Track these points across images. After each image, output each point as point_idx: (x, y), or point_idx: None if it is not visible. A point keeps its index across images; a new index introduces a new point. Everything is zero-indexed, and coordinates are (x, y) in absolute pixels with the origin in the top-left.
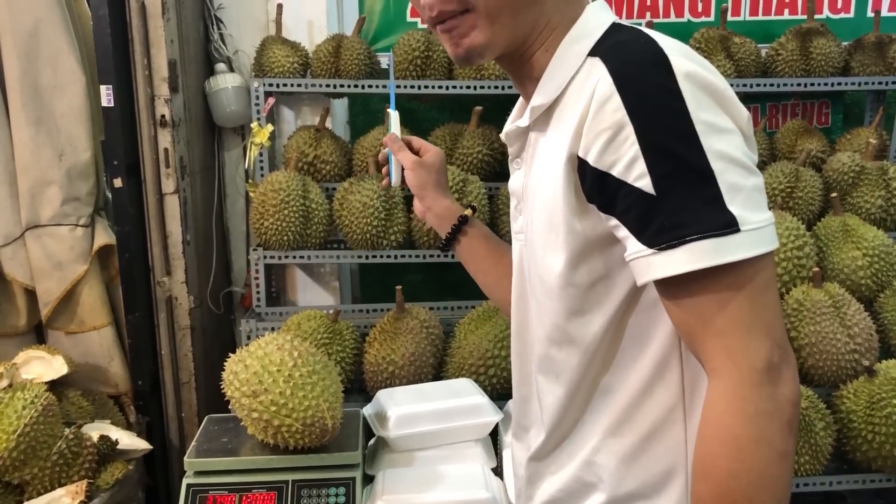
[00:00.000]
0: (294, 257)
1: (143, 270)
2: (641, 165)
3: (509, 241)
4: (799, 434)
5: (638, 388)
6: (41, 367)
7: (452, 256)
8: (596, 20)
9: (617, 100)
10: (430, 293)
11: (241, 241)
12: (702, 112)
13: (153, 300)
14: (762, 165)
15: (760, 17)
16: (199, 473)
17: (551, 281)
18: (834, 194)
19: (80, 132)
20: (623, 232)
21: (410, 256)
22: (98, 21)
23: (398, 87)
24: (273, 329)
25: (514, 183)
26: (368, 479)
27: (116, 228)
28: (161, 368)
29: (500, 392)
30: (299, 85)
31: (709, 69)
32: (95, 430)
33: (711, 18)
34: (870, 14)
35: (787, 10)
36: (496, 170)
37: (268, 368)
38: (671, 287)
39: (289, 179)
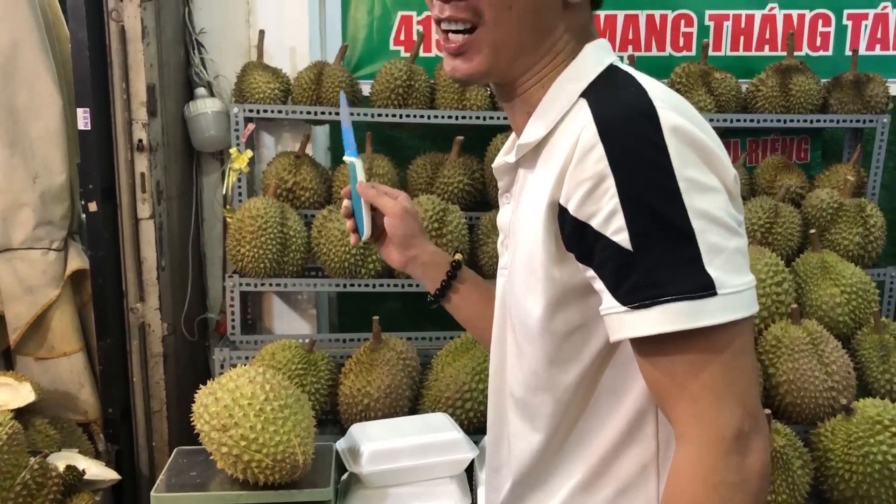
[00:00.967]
0: (271, 285)
1: (117, 296)
2: (620, 219)
3: (490, 276)
4: (776, 472)
5: (612, 442)
6: (7, 393)
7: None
8: (593, 60)
9: (600, 150)
10: (409, 322)
11: (218, 267)
12: (686, 169)
13: (126, 326)
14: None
15: (741, 53)
16: None
17: (531, 325)
18: (813, 231)
19: (56, 155)
20: (599, 285)
21: (389, 285)
22: (77, 44)
23: (381, 115)
24: (247, 358)
25: (502, 218)
26: None
27: (90, 253)
28: (132, 396)
29: (476, 426)
30: (280, 111)
31: (699, 123)
32: (62, 460)
33: (693, 53)
34: (848, 52)
35: (767, 47)
36: (476, 199)
37: (238, 402)
38: (644, 346)
39: (267, 206)
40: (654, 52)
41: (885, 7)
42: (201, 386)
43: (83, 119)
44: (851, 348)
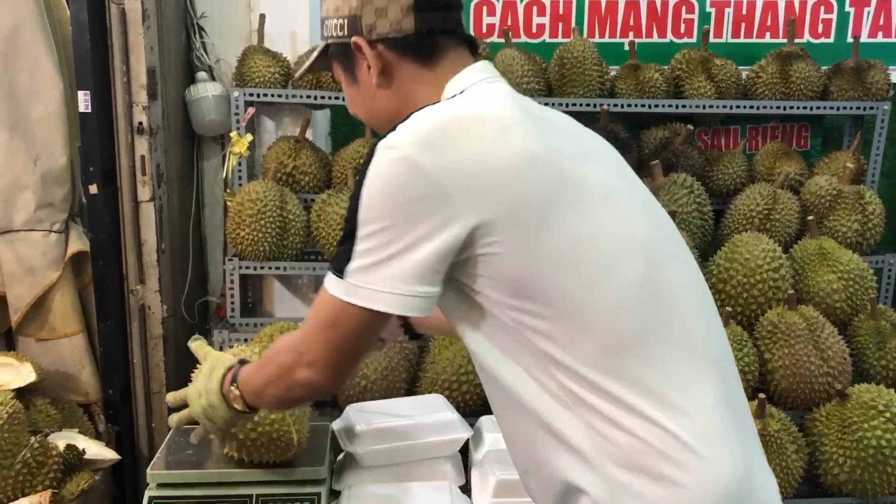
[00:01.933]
0: (270, 268)
1: (117, 278)
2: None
3: None
4: (770, 456)
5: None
6: (9, 374)
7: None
8: (448, 94)
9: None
10: None
11: (219, 250)
12: (369, 191)
13: (126, 308)
14: (740, 187)
15: (742, 40)
16: (162, 486)
17: None
18: (811, 217)
19: (56, 137)
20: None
21: None
22: (77, 26)
23: None
24: (247, 340)
25: None
26: (335, 495)
27: (91, 235)
28: (132, 377)
29: (472, 408)
30: (280, 95)
31: (432, 144)
32: (62, 439)
33: (693, 40)
34: (849, 39)
35: (768, 34)
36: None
37: None
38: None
39: (266, 189)
40: (655, 39)
41: None
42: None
43: (84, 102)
44: (848, 334)
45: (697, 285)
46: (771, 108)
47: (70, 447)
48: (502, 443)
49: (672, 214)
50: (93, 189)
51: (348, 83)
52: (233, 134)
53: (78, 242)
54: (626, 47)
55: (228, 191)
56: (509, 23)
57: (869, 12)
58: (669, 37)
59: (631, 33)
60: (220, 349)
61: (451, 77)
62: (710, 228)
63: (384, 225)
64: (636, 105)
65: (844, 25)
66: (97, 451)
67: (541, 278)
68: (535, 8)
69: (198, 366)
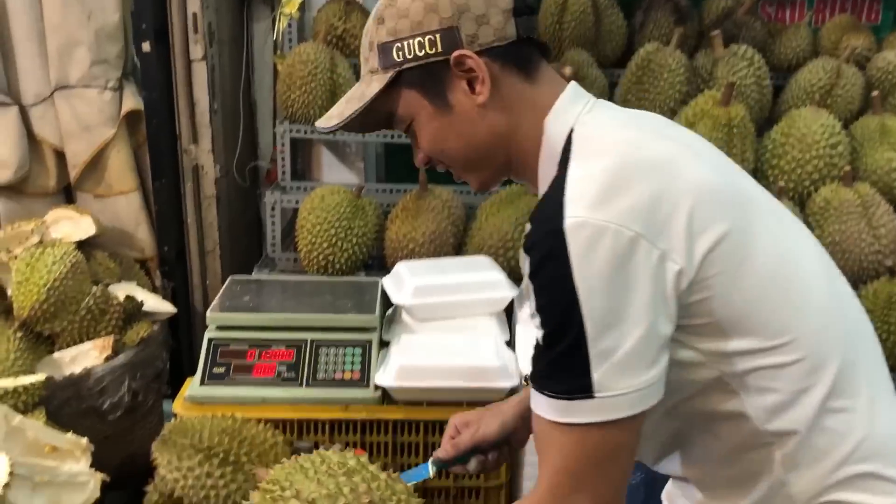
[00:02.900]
0: (320, 133)
1: (170, 138)
2: (537, 319)
3: None
4: None
5: None
6: (70, 226)
7: None
8: (556, 133)
9: (527, 263)
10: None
11: (268, 116)
12: (587, 278)
13: (180, 168)
14: (803, 61)
15: None
16: (221, 328)
17: None
18: (875, 93)
19: None
20: None
21: None
22: None
23: None
24: (297, 202)
25: None
26: (384, 345)
27: (144, 94)
28: (186, 236)
29: (517, 274)
30: None
31: (625, 206)
32: (122, 291)
33: None
34: None
35: None
36: None
37: None
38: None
39: (317, 52)
40: None
41: None
42: None
43: None
44: None
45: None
46: None
47: (129, 298)
48: None
49: (730, 87)
50: (145, 47)
51: (435, 114)
52: None
53: (132, 100)
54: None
55: (279, 53)
56: None
57: None
58: None
59: None
60: (272, 211)
61: (548, 100)
62: (768, 103)
63: (611, 309)
64: None
65: None
66: (154, 303)
67: (752, 309)
68: None
69: None
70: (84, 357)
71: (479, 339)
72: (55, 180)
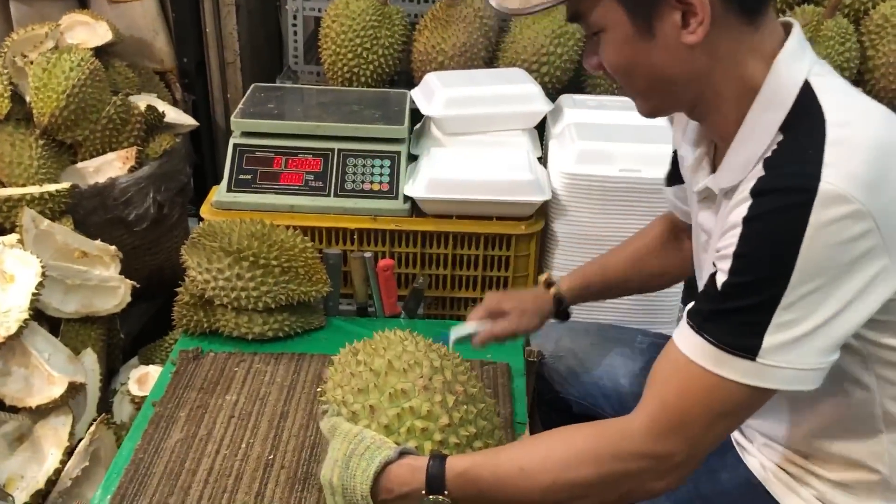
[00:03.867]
0: None
1: None
2: (728, 264)
3: None
4: None
5: None
6: (85, 32)
7: None
8: (787, 79)
9: (747, 205)
10: None
11: None
12: (817, 246)
13: None
14: None
15: None
16: (245, 134)
17: None
18: None
19: None
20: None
21: None
22: None
23: None
24: (320, 10)
25: (706, 222)
26: (412, 159)
27: None
28: (206, 47)
29: (551, 89)
30: None
31: (883, 195)
32: (142, 101)
33: None
34: None
35: None
36: None
37: None
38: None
39: None
40: None
41: None
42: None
43: None
44: None
45: None
46: None
47: (151, 108)
48: (583, 117)
49: None
50: None
51: (633, 36)
52: None
53: None
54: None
55: None
56: None
57: None
58: None
59: None
60: (294, 17)
61: (771, 45)
62: None
63: (818, 286)
64: None
65: None
66: (176, 115)
67: None
68: None
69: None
70: (108, 167)
71: (511, 153)
72: None
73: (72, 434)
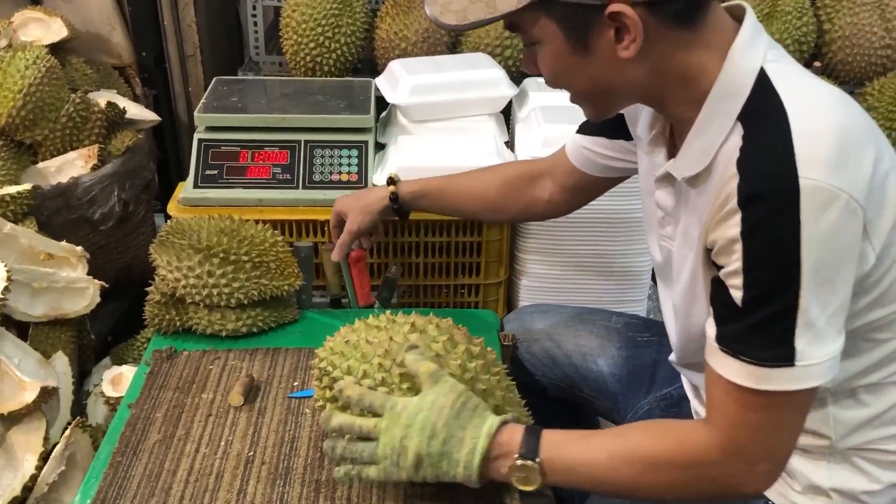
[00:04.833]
0: None
1: None
2: (739, 280)
3: None
4: None
5: None
6: (39, 29)
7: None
8: (742, 68)
9: (738, 218)
10: None
11: None
12: (814, 250)
13: None
14: None
15: None
16: (210, 129)
17: (700, 326)
18: None
19: None
20: (711, 310)
21: None
22: None
23: None
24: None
25: (663, 200)
26: (380, 148)
27: None
28: (164, 40)
29: (516, 72)
30: None
31: (857, 166)
32: (102, 98)
33: None
34: None
35: None
36: None
37: None
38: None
39: None
40: None
41: None
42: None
43: None
44: None
45: None
46: None
47: (111, 104)
48: (548, 100)
49: None
50: None
51: (569, 52)
52: None
53: None
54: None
55: None
56: None
57: None
58: None
59: None
60: (253, 10)
61: (719, 39)
62: None
63: (826, 277)
64: None
65: None
66: (137, 111)
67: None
68: None
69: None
70: (70, 167)
71: (479, 139)
72: None
73: (46, 439)
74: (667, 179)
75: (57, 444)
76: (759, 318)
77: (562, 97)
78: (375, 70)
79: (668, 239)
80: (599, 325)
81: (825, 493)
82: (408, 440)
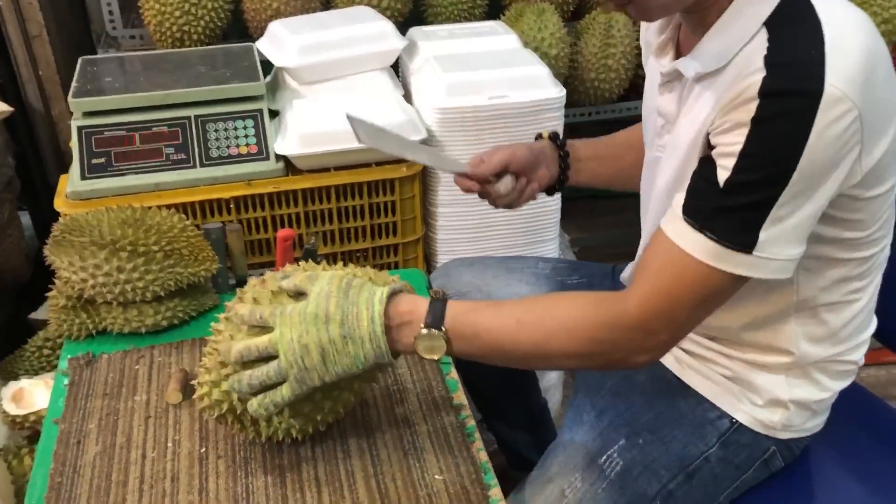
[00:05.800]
0: None
1: None
2: (731, 161)
3: None
4: None
5: None
6: None
7: None
8: None
9: (754, 105)
10: None
11: None
12: (811, 162)
13: None
14: None
15: None
16: (88, 115)
17: None
18: None
19: None
20: (686, 184)
21: None
22: None
23: None
24: None
25: (665, 106)
26: (273, 115)
27: None
28: (3, 22)
29: (395, 23)
30: None
31: (870, 98)
32: None
33: None
34: None
35: None
36: None
37: None
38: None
39: None
40: None
41: None
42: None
43: None
44: None
45: None
46: None
47: None
48: (440, 49)
49: None
50: None
51: None
52: None
53: None
54: None
55: None
56: None
57: None
58: None
59: None
60: None
61: None
62: None
63: (810, 185)
64: None
65: None
66: None
67: (866, 214)
68: None
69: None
70: None
71: (377, 96)
72: None
73: None
74: (672, 82)
75: None
76: (737, 203)
77: (453, 45)
78: (247, 35)
79: (661, 148)
80: (528, 272)
81: (784, 404)
82: (305, 336)
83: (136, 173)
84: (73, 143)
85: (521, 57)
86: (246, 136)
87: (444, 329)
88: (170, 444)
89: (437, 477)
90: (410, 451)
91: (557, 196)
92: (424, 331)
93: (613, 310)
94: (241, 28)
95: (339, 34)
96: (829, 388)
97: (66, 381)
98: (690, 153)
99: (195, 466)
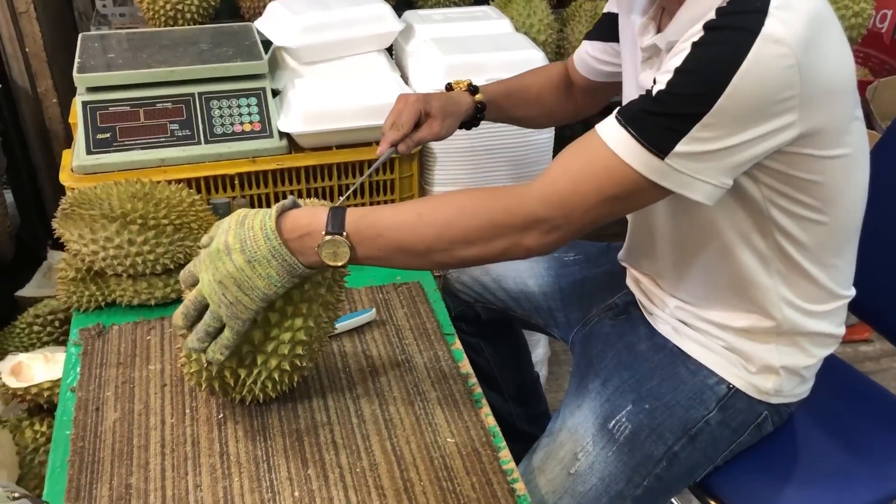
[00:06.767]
0: None
1: None
2: (668, 77)
3: None
4: None
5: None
6: None
7: None
8: None
9: (699, 35)
10: None
11: None
12: (748, 80)
13: None
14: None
15: None
16: (92, 90)
17: None
18: None
19: None
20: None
21: None
22: None
23: None
24: None
25: (646, 81)
26: (275, 94)
27: None
28: None
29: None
30: None
31: (809, 54)
32: None
33: None
34: None
35: None
36: None
37: None
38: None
39: None
40: None
41: None
42: None
43: None
44: None
45: None
46: None
47: None
48: (437, 32)
49: None
50: None
51: None
52: None
53: None
54: None
55: None
56: None
57: None
58: None
59: None
60: None
61: None
62: None
63: (737, 118)
64: None
65: None
66: None
67: (825, 177)
68: None
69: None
70: None
71: (378, 76)
72: None
73: None
74: (652, 58)
75: None
76: (663, 111)
77: (449, 28)
78: (238, 15)
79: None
80: None
81: (776, 370)
82: (217, 272)
83: (142, 148)
84: (77, 119)
85: (515, 41)
86: (249, 114)
87: (345, 233)
88: (188, 411)
89: (448, 440)
90: (422, 416)
91: None
92: (327, 238)
93: (514, 193)
94: (230, 8)
95: (338, 15)
96: (815, 354)
97: (79, 351)
98: None
99: (214, 431)
